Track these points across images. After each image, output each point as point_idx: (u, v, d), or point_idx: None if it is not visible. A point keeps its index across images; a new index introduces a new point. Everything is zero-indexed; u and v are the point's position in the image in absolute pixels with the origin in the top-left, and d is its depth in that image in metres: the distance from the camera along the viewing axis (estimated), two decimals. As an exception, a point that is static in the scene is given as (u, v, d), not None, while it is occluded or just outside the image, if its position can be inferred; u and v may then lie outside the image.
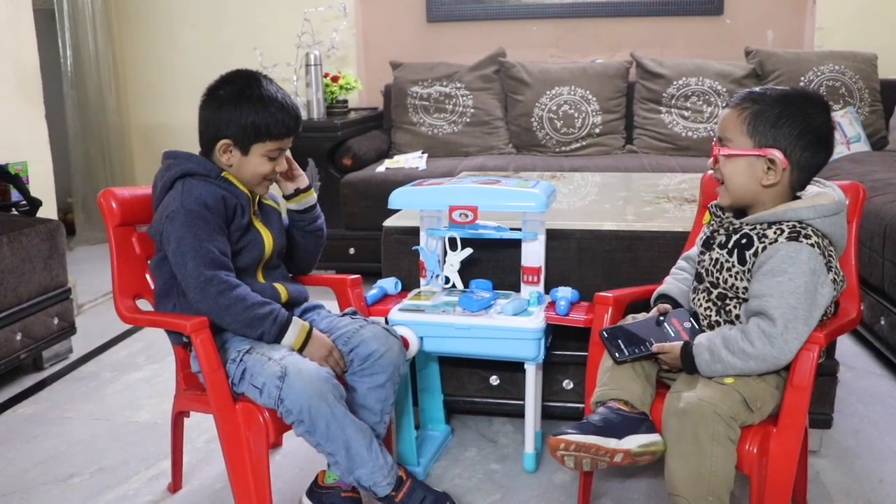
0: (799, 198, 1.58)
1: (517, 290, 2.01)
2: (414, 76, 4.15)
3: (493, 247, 2.04)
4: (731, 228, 1.59)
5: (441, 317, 1.89)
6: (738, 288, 1.55)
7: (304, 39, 4.21)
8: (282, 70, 4.17)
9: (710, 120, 3.88)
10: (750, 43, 4.14)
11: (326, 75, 4.11)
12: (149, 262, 1.81)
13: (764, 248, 1.50)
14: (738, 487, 1.81)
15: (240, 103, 1.73)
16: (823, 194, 1.56)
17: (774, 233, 1.51)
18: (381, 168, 3.74)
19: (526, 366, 1.92)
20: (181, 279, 1.67)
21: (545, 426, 2.12)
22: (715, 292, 1.60)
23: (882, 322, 2.57)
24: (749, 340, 1.46)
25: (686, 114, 3.94)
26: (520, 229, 1.95)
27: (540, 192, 1.88)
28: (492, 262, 2.07)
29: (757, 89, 1.58)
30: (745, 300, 1.54)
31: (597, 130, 4.01)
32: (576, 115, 4.01)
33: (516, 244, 1.98)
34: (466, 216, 1.89)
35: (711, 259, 1.61)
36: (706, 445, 1.43)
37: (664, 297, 1.73)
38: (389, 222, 2.20)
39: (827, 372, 1.93)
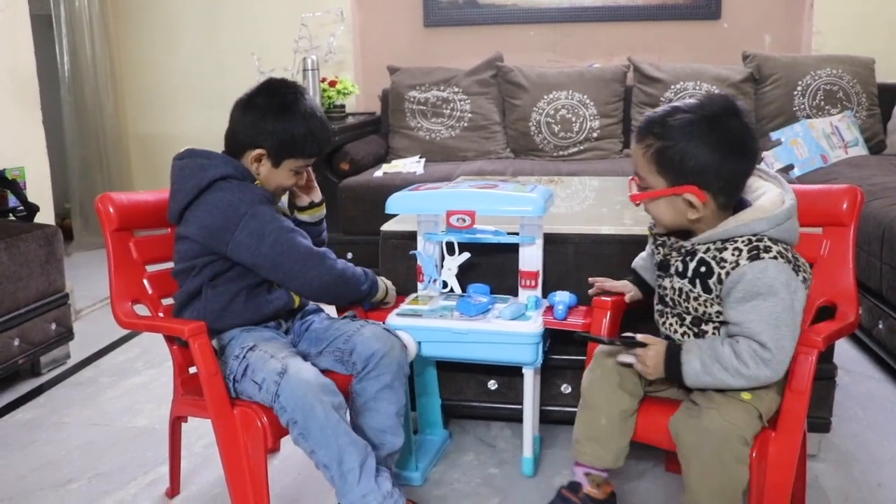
0: (744, 202, 1.51)
1: (515, 294, 2.01)
2: (411, 81, 4.16)
3: (490, 251, 2.04)
4: (683, 251, 1.53)
5: (439, 321, 1.88)
6: (710, 313, 1.50)
7: (302, 44, 4.21)
8: (279, 75, 4.16)
9: (707, 124, 3.88)
10: (747, 47, 4.15)
11: (324, 80, 4.11)
12: (175, 267, 1.79)
13: (727, 274, 1.44)
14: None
15: (283, 117, 1.74)
16: (772, 200, 1.47)
17: (732, 254, 1.44)
18: (378, 173, 3.74)
19: (524, 370, 1.92)
20: (290, 263, 1.70)
21: (543, 430, 2.12)
22: (688, 318, 1.55)
23: (880, 326, 2.57)
24: (742, 361, 1.42)
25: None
26: (517, 233, 1.95)
27: (538, 196, 1.88)
28: (489, 267, 2.07)
29: (658, 114, 1.48)
30: (722, 322, 1.50)
31: (594, 135, 4.01)
32: (573, 119, 4.01)
33: (514, 248, 1.98)
34: (464, 220, 1.89)
35: (674, 288, 1.55)
36: (731, 466, 1.43)
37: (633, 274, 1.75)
38: (387, 227, 2.20)
39: (825, 376, 1.93)
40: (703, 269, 1.48)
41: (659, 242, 1.60)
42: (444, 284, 2.03)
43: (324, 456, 1.58)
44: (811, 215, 1.69)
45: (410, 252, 2.06)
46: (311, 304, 1.93)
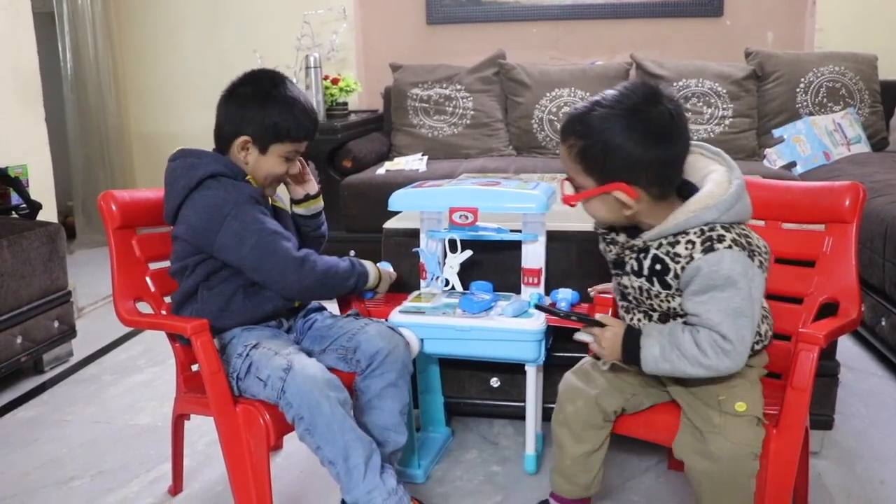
0: (691, 187, 1.45)
1: (518, 291, 2.01)
2: (414, 78, 4.15)
3: (493, 248, 2.04)
4: (635, 249, 1.48)
5: (441, 319, 1.88)
6: (674, 308, 1.46)
7: (304, 42, 4.21)
8: (281, 72, 4.17)
9: (709, 121, 3.88)
10: (750, 44, 4.14)
11: (326, 77, 4.11)
12: (171, 266, 1.79)
13: (683, 269, 1.39)
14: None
15: (265, 103, 1.74)
16: (719, 183, 1.41)
17: (686, 248, 1.39)
18: (381, 170, 3.73)
19: (527, 367, 1.92)
20: (270, 266, 1.68)
21: (546, 428, 2.12)
22: (655, 315, 1.51)
23: (883, 323, 2.56)
24: (702, 351, 1.38)
25: (686, 115, 3.93)
26: (520, 231, 1.95)
27: (540, 193, 1.88)
28: (492, 264, 2.07)
29: (578, 112, 1.42)
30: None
31: (597, 132, 4.00)
32: (576, 116, 4.00)
33: (516, 246, 1.98)
34: (466, 218, 1.89)
35: (634, 287, 1.50)
36: (744, 483, 1.44)
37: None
38: (389, 224, 2.20)
39: (828, 373, 1.93)
40: (658, 266, 1.43)
41: (609, 240, 1.55)
42: (447, 282, 2.03)
43: (329, 452, 1.58)
44: (814, 212, 1.69)
45: (413, 249, 2.06)
46: (314, 303, 1.93)
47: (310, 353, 1.76)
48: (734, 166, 1.44)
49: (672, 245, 1.41)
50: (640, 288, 1.49)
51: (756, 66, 3.97)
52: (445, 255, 2.03)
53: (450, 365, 2.13)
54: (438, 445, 2.11)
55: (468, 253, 2.00)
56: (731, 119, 3.87)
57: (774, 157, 3.77)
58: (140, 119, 4.81)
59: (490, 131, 4.09)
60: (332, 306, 1.98)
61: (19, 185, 3.05)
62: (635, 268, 1.48)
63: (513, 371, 2.09)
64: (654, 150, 1.38)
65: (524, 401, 1.98)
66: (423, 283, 2.07)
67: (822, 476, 1.96)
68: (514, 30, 4.44)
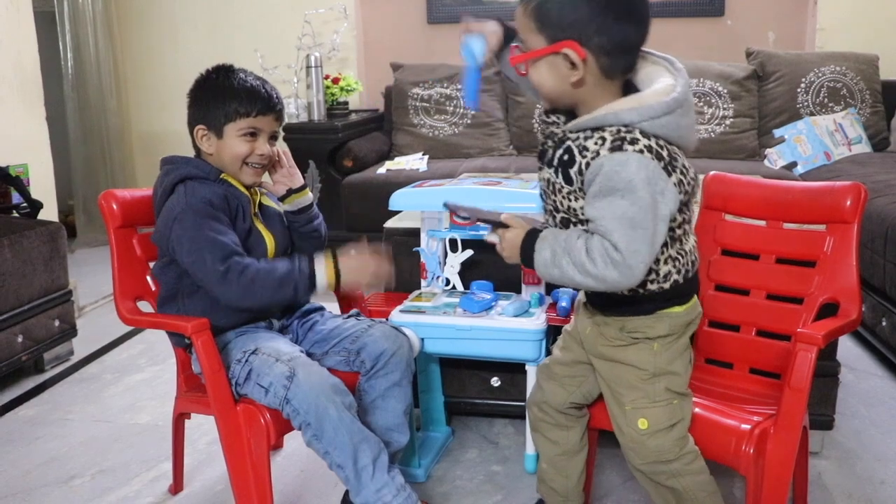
0: (633, 87, 1.39)
1: (518, 291, 2.01)
2: (415, 78, 4.15)
3: (493, 248, 2.04)
4: (555, 138, 1.40)
5: (442, 318, 1.88)
6: (575, 209, 1.37)
7: (305, 41, 4.22)
8: (282, 72, 4.17)
9: (710, 121, 3.88)
10: (751, 44, 4.13)
11: (327, 77, 4.11)
12: (151, 267, 1.81)
13: (587, 165, 1.31)
14: (738, 489, 1.81)
15: (206, 90, 1.78)
16: (657, 91, 1.34)
17: (596, 143, 1.31)
18: (382, 170, 3.74)
19: (527, 367, 1.92)
20: (201, 276, 1.65)
21: (546, 428, 2.12)
22: (558, 217, 1.42)
23: (883, 324, 2.56)
24: (591, 258, 1.30)
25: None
26: (521, 231, 1.95)
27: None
28: (493, 264, 2.06)
29: None
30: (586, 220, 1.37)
31: (598, 132, 4.00)
32: (577, 116, 4.00)
33: (517, 245, 1.98)
34: (467, 217, 1.89)
35: (544, 179, 1.43)
36: (673, 481, 1.45)
37: None
38: (390, 224, 2.20)
39: (828, 373, 1.93)
40: (566, 157, 1.35)
41: (546, 132, 1.45)
42: (447, 281, 2.03)
43: (338, 456, 1.58)
44: (814, 212, 1.69)
45: (414, 249, 2.06)
46: (312, 303, 1.91)
47: (311, 356, 1.75)
48: (683, 81, 1.37)
49: (586, 139, 1.33)
50: (549, 181, 1.41)
51: (757, 66, 3.97)
52: (446, 255, 2.03)
53: (450, 364, 2.13)
54: (439, 445, 2.11)
55: (469, 252, 2.00)
56: (731, 119, 3.87)
57: (775, 157, 3.77)
58: (141, 118, 4.81)
59: (491, 131, 4.09)
60: (333, 306, 1.98)
61: (20, 184, 3.06)
62: (549, 157, 1.41)
63: (513, 370, 2.09)
64: (612, 16, 1.32)
65: (524, 400, 1.98)
66: (423, 282, 2.07)
67: (823, 476, 1.96)
68: (515, 29, 4.43)
